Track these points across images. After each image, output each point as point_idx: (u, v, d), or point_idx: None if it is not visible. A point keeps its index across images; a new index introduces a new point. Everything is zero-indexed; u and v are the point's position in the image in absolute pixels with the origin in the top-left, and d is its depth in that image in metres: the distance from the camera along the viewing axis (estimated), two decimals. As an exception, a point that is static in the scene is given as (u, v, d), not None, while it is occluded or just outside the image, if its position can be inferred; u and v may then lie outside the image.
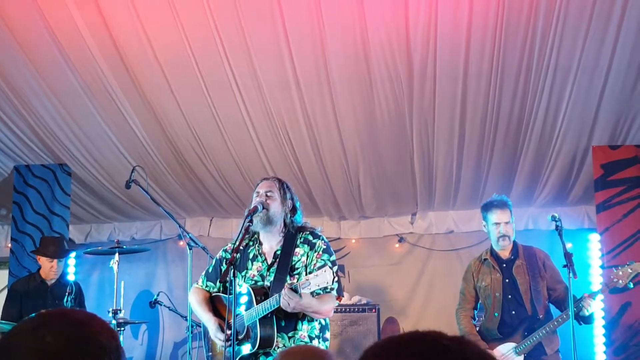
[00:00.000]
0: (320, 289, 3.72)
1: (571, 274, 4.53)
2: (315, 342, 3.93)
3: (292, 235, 4.08)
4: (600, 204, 6.49)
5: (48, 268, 6.36)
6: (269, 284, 3.97)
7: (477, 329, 5.22)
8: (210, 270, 4.31)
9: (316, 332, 3.96)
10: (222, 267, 4.20)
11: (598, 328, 6.56)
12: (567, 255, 4.64)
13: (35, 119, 6.42)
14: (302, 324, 3.94)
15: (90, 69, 5.81)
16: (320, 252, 4.00)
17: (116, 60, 5.70)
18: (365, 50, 5.49)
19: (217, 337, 3.99)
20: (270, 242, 4.12)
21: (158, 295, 6.41)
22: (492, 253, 5.22)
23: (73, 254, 7.48)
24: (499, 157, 6.66)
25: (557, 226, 4.78)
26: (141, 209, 7.94)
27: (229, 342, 3.76)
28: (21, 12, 5.31)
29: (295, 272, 3.95)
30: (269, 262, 4.05)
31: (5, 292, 6.72)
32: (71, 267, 7.62)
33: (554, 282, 5.08)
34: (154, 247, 8.06)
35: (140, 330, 8.29)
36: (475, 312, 5.32)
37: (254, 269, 4.07)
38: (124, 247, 6.03)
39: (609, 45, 5.35)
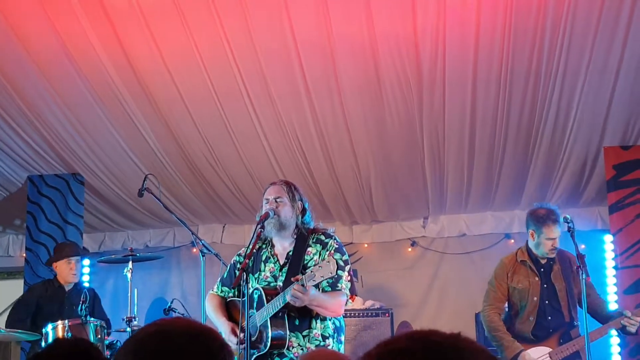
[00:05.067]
0: (325, 281, 3.73)
1: (584, 275, 4.56)
2: (329, 342, 3.93)
3: (304, 236, 4.10)
4: (612, 204, 6.46)
5: (67, 271, 6.31)
6: (280, 284, 3.98)
7: (506, 327, 5.14)
8: (225, 276, 4.33)
9: (330, 331, 3.96)
10: (236, 271, 4.21)
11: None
12: (580, 257, 4.67)
13: (48, 129, 6.47)
14: (316, 323, 3.94)
15: (102, 80, 5.85)
16: (332, 251, 4.02)
17: (127, 71, 5.74)
18: (375, 57, 5.50)
19: (230, 341, 4.00)
20: (283, 244, 4.14)
21: (172, 302, 6.42)
22: (530, 255, 5.19)
23: (87, 262, 7.52)
24: (511, 159, 6.64)
25: (569, 228, 4.81)
26: (154, 216, 7.97)
27: (243, 345, 3.77)
28: (33, 25, 5.36)
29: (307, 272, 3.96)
30: (282, 263, 4.08)
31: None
32: (85, 275, 7.66)
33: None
34: (168, 254, 8.06)
35: (155, 337, 8.28)
36: (505, 310, 5.27)
37: (267, 270, 4.09)
38: (138, 254, 6.05)
39: (618, 46, 5.34)
